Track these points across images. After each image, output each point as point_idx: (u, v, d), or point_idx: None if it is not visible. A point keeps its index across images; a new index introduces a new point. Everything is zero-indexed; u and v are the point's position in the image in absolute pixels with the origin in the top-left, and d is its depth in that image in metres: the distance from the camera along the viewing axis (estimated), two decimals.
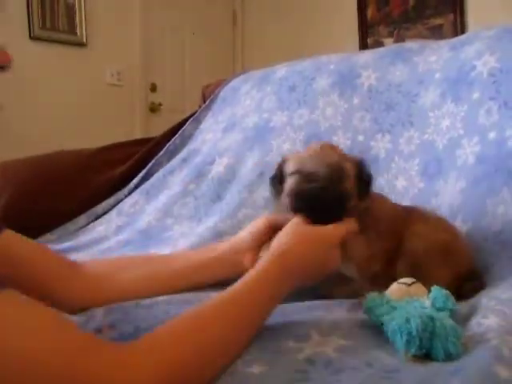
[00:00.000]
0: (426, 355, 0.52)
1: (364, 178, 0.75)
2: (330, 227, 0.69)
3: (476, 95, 1.05)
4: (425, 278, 0.67)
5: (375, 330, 0.59)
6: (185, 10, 3.69)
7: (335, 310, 0.70)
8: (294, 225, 0.69)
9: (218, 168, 1.30)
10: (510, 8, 2.84)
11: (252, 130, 1.34)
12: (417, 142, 1.14)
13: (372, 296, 0.62)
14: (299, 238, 0.67)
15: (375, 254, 0.77)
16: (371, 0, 3.44)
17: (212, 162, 1.32)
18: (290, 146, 1.23)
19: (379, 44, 3.37)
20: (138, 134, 3.27)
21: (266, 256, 0.65)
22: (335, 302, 0.74)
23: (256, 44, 4.02)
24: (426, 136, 1.13)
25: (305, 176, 0.72)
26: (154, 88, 3.55)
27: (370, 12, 3.45)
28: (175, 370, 0.49)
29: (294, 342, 0.56)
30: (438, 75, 1.16)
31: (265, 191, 1.16)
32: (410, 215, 0.82)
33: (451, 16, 3.10)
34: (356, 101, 1.25)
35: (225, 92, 1.58)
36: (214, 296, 0.59)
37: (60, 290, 0.71)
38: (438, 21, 3.17)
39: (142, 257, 0.90)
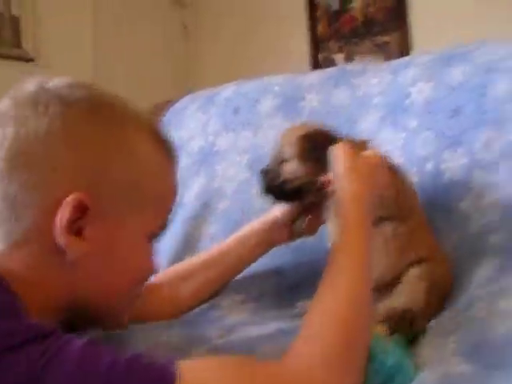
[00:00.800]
0: None
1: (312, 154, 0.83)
2: (369, 155, 0.79)
3: (413, 123, 1.06)
4: None
5: None
6: (136, 24, 3.66)
7: (282, 341, 0.70)
8: (342, 159, 0.75)
9: None
10: (455, 27, 2.95)
11: (197, 154, 1.32)
12: None
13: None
14: (354, 174, 0.73)
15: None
16: (321, 16, 3.50)
17: None
18: (235, 171, 1.22)
19: (330, 60, 3.44)
20: None
21: (342, 207, 0.70)
22: (282, 330, 0.75)
23: (208, 59, 4.02)
24: None
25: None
26: None
27: (320, 28, 3.51)
28: (330, 351, 0.55)
29: None
30: (377, 99, 1.17)
31: (210, 226, 1.15)
32: None
33: (397, 34, 3.20)
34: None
35: (171, 114, 1.56)
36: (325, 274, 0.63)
37: (140, 315, 0.78)
38: (385, 38, 3.26)
39: (195, 263, 0.95)
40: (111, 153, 0.59)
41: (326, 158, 0.78)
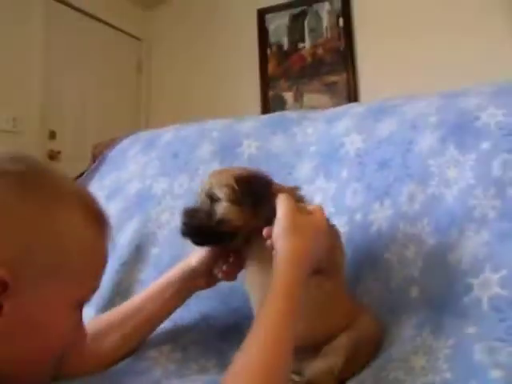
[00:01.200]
0: None
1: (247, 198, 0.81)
2: (315, 215, 0.77)
3: (344, 174, 1.09)
4: None
5: None
6: (88, 56, 3.64)
7: None
8: (287, 214, 0.74)
9: None
10: (399, 69, 3.08)
11: (133, 197, 1.31)
12: None
13: None
14: (299, 235, 0.73)
15: None
16: (272, 55, 3.59)
17: None
18: (169, 216, 1.21)
19: (279, 97, 3.52)
20: None
21: (279, 265, 0.70)
22: None
23: (161, 94, 4.04)
24: None
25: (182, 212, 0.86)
26: (52, 135, 3.43)
27: (270, 67, 3.59)
28: None
29: None
30: (312, 148, 1.19)
31: (140, 273, 1.13)
32: None
33: (344, 75, 3.31)
34: None
35: (113, 154, 1.54)
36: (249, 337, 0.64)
37: (67, 370, 0.77)
38: (332, 78, 3.37)
39: (116, 316, 0.93)
40: (38, 233, 0.59)
41: (261, 204, 0.79)
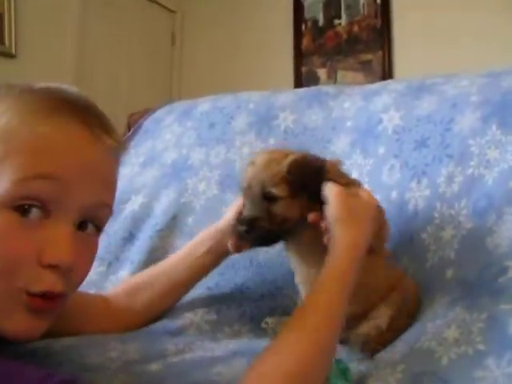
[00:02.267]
0: None
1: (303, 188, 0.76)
2: (366, 198, 0.76)
3: (381, 150, 1.08)
4: None
5: None
6: (122, 27, 3.65)
7: (234, 364, 0.71)
8: (339, 202, 0.71)
9: (133, 206, 1.26)
10: (435, 47, 3.01)
11: (169, 167, 1.32)
12: None
13: None
14: (355, 223, 0.70)
15: None
16: (307, 31, 3.54)
17: (127, 201, 1.27)
18: (206, 187, 1.23)
19: (313, 73, 3.48)
20: None
21: (335, 252, 0.67)
22: (236, 352, 0.76)
23: (195, 67, 4.03)
24: None
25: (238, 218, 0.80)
26: None
27: (304, 42, 3.55)
28: None
29: None
30: (349, 123, 1.19)
31: (177, 240, 1.15)
32: None
33: (380, 53, 3.25)
34: (271, 141, 1.27)
35: (148, 123, 1.56)
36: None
37: (90, 330, 0.79)
38: (368, 56, 3.32)
39: (149, 275, 0.94)
40: None
41: (315, 191, 0.75)
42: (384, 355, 0.71)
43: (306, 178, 0.76)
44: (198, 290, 0.98)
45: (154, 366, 0.72)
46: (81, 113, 0.57)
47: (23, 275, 0.51)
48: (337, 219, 0.70)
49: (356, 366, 0.66)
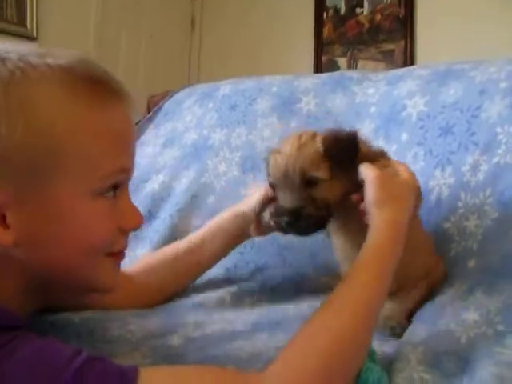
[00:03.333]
0: None
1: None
2: (404, 175, 0.74)
3: (405, 137, 1.07)
4: None
5: None
6: (142, 11, 3.65)
7: (255, 338, 0.71)
8: (377, 186, 0.70)
9: (153, 185, 1.26)
10: (458, 39, 2.97)
11: (190, 147, 1.32)
12: None
13: None
14: (394, 204, 0.69)
15: None
16: (328, 19, 3.51)
17: (147, 180, 1.28)
18: (226, 168, 1.23)
19: (333, 62, 3.45)
20: None
21: (373, 231, 0.66)
22: (256, 325, 0.76)
23: (213, 52, 4.02)
24: None
25: (276, 209, 0.77)
26: None
27: (326, 31, 3.52)
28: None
29: None
30: (373, 109, 1.18)
31: (197, 219, 1.15)
32: None
33: (402, 43, 3.22)
34: (293, 124, 1.25)
35: (169, 105, 1.56)
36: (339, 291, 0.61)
37: (109, 304, 0.81)
38: (390, 46, 3.28)
39: (168, 253, 0.94)
40: (4, 128, 0.51)
41: (351, 170, 0.73)
42: (404, 336, 0.70)
43: (343, 151, 0.74)
44: (218, 270, 0.98)
45: (176, 340, 0.72)
46: (120, 93, 0.62)
47: (110, 243, 0.61)
48: (374, 202, 0.68)
49: (379, 347, 0.65)
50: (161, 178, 1.28)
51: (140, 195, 1.23)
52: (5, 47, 0.56)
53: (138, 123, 1.59)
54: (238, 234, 0.91)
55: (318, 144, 0.74)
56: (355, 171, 0.72)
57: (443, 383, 0.54)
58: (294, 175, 0.73)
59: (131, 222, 0.63)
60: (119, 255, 0.64)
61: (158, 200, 1.23)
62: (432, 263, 0.86)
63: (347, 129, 0.78)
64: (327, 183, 0.73)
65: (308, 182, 0.73)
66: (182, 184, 1.24)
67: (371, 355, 0.59)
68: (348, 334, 0.55)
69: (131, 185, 1.25)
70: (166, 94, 1.68)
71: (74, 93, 0.55)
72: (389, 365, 0.61)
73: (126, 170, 0.61)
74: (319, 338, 0.54)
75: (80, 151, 0.55)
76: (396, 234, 0.66)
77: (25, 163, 0.52)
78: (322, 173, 0.73)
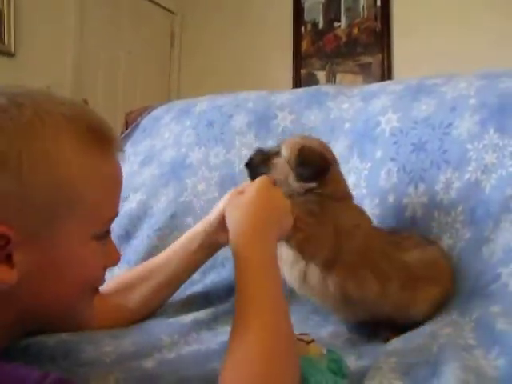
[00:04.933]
0: None
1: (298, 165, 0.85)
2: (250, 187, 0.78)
3: (379, 154, 1.07)
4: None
5: None
6: (122, 28, 3.65)
7: None
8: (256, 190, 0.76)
9: (130, 205, 1.25)
10: (435, 51, 3.02)
11: (168, 165, 1.32)
12: None
13: None
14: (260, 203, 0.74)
15: (316, 236, 0.81)
16: (306, 33, 3.55)
17: (125, 199, 1.27)
18: (206, 187, 1.22)
19: (312, 76, 3.49)
20: None
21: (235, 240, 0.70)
22: None
23: (193, 70, 4.03)
24: None
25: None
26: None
27: (304, 45, 3.55)
28: None
29: None
30: (347, 125, 1.18)
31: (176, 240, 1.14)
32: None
33: (379, 56, 3.26)
34: (270, 143, 1.25)
35: (147, 121, 1.56)
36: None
37: (84, 327, 0.80)
38: (367, 59, 3.32)
39: (142, 270, 0.94)
40: (26, 172, 0.53)
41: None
42: (379, 350, 0.71)
43: (299, 165, 0.86)
44: (195, 288, 0.97)
45: (150, 363, 0.71)
46: (113, 141, 0.63)
47: (100, 280, 0.67)
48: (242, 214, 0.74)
49: (355, 362, 0.66)
50: (138, 196, 1.27)
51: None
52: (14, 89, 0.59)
53: None
54: (210, 241, 0.90)
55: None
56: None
57: None
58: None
59: (114, 260, 0.68)
60: (98, 290, 0.68)
61: (136, 219, 1.22)
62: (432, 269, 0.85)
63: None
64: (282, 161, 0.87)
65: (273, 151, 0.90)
66: (161, 203, 1.23)
67: (338, 363, 0.60)
68: (263, 367, 0.57)
69: None
70: (144, 110, 1.67)
71: (84, 142, 0.58)
72: (361, 376, 0.61)
73: (117, 214, 0.66)
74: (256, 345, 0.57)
75: (90, 198, 0.59)
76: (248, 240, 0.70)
77: (41, 206, 0.55)
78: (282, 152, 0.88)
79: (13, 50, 2.99)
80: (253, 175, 0.87)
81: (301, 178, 0.84)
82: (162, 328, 0.85)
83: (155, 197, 1.26)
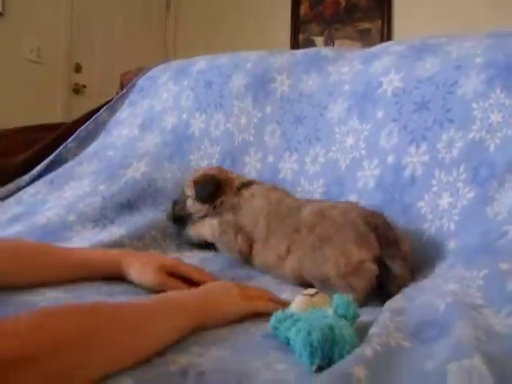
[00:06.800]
0: (329, 363, 0.52)
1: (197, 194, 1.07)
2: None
3: (380, 114, 1.05)
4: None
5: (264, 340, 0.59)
6: None
7: None
8: None
9: (135, 174, 1.22)
10: (435, 18, 2.96)
11: (170, 133, 1.30)
12: (322, 160, 1.13)
13: (276, 314, 0.61)
14: None
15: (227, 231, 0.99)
16: None
17: (128, 166, 1.24)
18: (208, 163, 1.23)
19: (310, 41, 3.42)
20: (60, 116, 3.09)
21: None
22: None
23: (189, 31, 3.95)
24: (331, 154, 1.12)
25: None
26: (78, 68, 3.36)
27: (303, 9, 3.48)
28: (57, 342, 0.48)
29: (170, 354, 0.55)
30: (346, 87, 1.16)
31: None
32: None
33: (379, 22, 3.20)
34: (268, 109, 1.25)
35: (143, 81, 1.53)
36: None
37: None
38: (366, 25, 3.25)
39: (41, 248, 0.86)
40: None
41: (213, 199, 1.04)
42: (384, 307, 0.69)
43: (205, 190, 1.07)
44: None
45: None
46: None
47: None
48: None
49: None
50: (142, 167, 1.24)
51: (119, 182, 1.19)
52: None
53: (111, 101, 1.55)
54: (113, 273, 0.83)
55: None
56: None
57: (422, 350, 0.53)
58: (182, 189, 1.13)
59: None
60: None
61: (139, 190, 1.19)
62: None
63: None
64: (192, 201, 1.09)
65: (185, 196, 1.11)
66: (167, 179, 1.22)
67: (348, 311, 0.59)
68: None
69: (108, 168, 1.23)
70: (140, 71, 1.63)
71: None
72: (364, 330, 0.59)
73: None
74: None
75: None
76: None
77: None
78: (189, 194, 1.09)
79: (0, 9, 2.87)
80: (178, 223, 1.11)
81: (201, 198, 1.05)
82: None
83: (159, 171, 1.24)
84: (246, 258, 0.97)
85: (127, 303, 0.61)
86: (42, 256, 0.82)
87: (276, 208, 0.95)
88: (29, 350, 0.45)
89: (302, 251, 0.85)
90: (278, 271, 0.90)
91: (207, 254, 1.05)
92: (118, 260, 0.83)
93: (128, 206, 1.15)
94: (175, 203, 1.12)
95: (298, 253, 0.86)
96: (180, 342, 0.58)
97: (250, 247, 0.96)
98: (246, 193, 1.02)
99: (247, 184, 1.05)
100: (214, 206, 1.05)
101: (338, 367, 0.48)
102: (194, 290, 0.69)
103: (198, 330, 0.62)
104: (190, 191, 1.08)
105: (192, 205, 1.08)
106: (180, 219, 1.11)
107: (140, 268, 0.82)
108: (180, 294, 0.67)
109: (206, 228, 1.04)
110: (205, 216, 1.07)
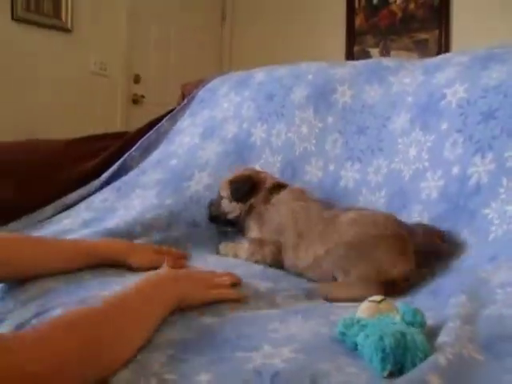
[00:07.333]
0: (400, 370, 0.52)
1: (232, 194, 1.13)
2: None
3: (444, 126, 1.05)
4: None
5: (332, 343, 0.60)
6: (173, 2, 3.66)
7: (291, 322, 0.71)
8: None
9: (198, 187, 1.26)
10: (494, 30, 2.89)
11: (231, 143, 1.32)
12: (384, 171, 1.13)
13: (343, 319, 0.62)
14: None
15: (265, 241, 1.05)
16: (360, 9, 3.47)
17: (191, 177, 1.28)
18: (270, 172, 1.22)
19: (365, 53, 3.41)
20: (118, 125, 3.24)
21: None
22: (292, 312, 0.75)
23: (244, 43, 4.01)
24: (394, 165, 1.12)
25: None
26: (137, 79, 3.51)
27: (358, 21, 3.47)
28: (58, 359, 0.51)
29: (243, 351, 0.57)
30: (410, 99, 1.16)
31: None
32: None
33: (436, 32, 3.15)
34: (330, 120, 1.26)
35: (203, 93, 1.57)
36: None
37: None
38: (423, 35, 3.21)
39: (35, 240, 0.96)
40: None
41: (247, 199, 1.10)
42: (447, 309, 0.67)
43: (240, 190, 1.13)
44: None
45: (209, 320, 0.71)
46: None
47: None
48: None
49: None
50: (205, 178, 1.28)
51: (183, 196, 1.24)
52: None
53: (172, 111, 1.60)
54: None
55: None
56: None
57: (496, 364, 0.52)
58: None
59: None
60: None
61: (203, 208, 1.22)
62: None
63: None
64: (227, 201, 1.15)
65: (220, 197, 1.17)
66: None
67: (415, 318, 0.59)
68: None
69: (172, 179, 1.28)
70: (200, 83, 1.68)
71: None
72: (431, 337, 0.59)
73: None
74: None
75: None
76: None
77: None
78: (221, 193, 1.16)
79: (69, 26, 3.06)
80: (216, 222, 1.19)
81: (236, 198, 1.12)
82: None
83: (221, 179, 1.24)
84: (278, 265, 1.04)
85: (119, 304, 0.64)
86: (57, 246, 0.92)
87: (304, 215, 1.02)
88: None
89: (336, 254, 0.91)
90: (313, 272, 0.96)
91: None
92: (123, 251, 0.95)
93: (193, 223, 1.21)
94: (211, 203, 1.18)
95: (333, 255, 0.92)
96: (251, 341, 0.60)
97: (280, 252, 1.03)
98: (274, 199, 1.08)
99: (278, 188, 1.11)
100: (249, 206, 1.11)
101: (413, 374, 0.48)
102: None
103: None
104: (224, 192, 1.14)
105: (227, 205, 1.14)
106: (216, 218, 1.17)
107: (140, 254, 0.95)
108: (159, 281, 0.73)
109: (239, 250, 1.09)
110: (238, 216, 1.13)
